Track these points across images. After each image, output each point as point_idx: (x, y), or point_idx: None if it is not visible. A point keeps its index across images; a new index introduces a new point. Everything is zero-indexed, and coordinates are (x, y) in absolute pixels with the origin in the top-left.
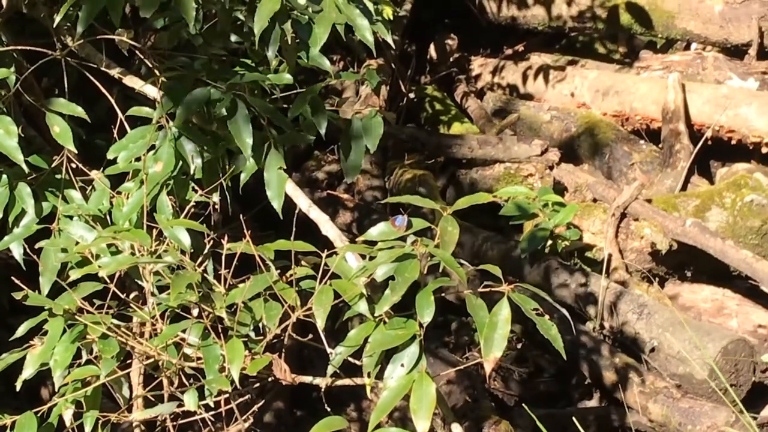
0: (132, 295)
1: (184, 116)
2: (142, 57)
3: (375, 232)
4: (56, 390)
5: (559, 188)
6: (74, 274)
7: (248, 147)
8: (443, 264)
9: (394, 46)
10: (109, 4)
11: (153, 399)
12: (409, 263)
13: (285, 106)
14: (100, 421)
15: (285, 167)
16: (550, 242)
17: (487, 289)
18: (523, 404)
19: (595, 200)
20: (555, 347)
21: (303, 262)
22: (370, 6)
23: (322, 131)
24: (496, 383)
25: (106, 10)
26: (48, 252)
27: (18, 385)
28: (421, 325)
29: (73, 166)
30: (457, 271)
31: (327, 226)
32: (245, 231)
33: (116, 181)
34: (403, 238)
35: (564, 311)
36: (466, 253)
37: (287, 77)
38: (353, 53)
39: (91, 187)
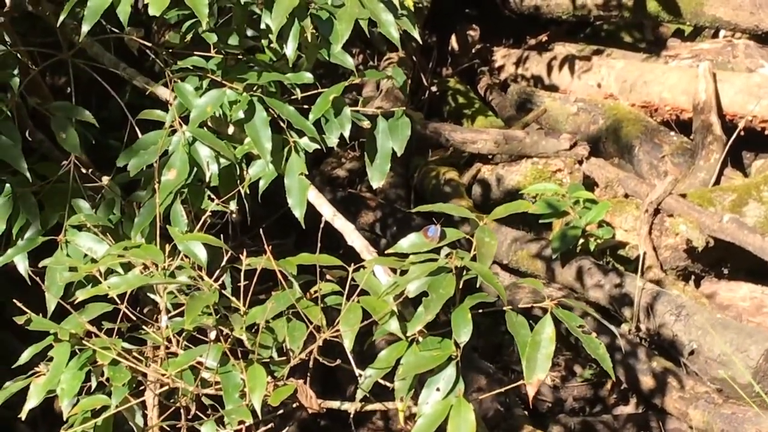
0: (146, 310)
1: (198, 119)
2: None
3: (406, 243)
4: (65, 420)
5: (589, 183)
6: (81, 295)
7: (267, 152)
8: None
9: (420, 41)
10: (116, 0)
11: (168, 429)
12: (444, 278)
13: (305, 106)
14: None
15: (306, 173)
16: (581, 241)
17: (529, 305)
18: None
19: (626, 196)
20: (603, 367)
21: (328, 277)
22: None
23: (346, 133)
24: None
25: (114, 7)
26: (54, 266)
27: (23, 416)
28: (457, 345)
29: (85, 172)
30: (497, 286)
31: (353, 236)
32: (265, 243)
33: (130, 188)
34: (436, 250)
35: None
36: (496, 253)
37: (308, 76)
38: (373, 46)
39: (100, 195)
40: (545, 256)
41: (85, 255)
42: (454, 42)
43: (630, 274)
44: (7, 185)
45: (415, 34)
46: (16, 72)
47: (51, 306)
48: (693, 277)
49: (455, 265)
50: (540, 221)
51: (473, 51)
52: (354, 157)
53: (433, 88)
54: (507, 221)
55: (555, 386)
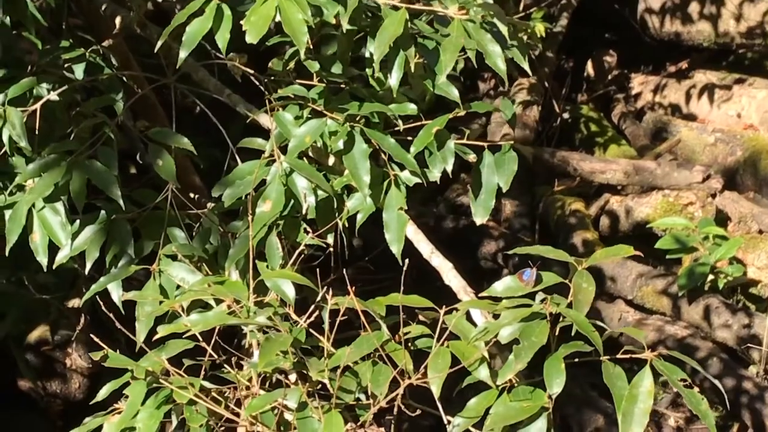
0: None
1: (297, 150)
2: (258, 83)
3: (500, 287)
4: None
5: (722, 218)
6: (162, 331)
7: (365, 184)
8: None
9: (530, 73)
10: (216, 26)
11: None
12: (537, 325)
13: (409, 138)
14: None
15: (406, 207)
16: (711, 278)
17: (627, 356)
18: None
19: (761, 231)
20: (706, 424)
21: (420, 317)
22: (503, 30)
23: (449, 168)
24: (650, 430)
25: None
26: (143, 298)
27: None
28: (550, 397)
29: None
30: (592, 336)
31: (450, 275)
32: (351, 282)
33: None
34: (531, 295)
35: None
36: (620, 288)
37: (411, 107)
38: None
39: (198, 224)
40: (671, 293)
41: (179, 286)
42: (590, 68)
43: (760, 315)
44: (102, 212)
45: (525, 66)
46: (120, 96)
47: (140, 338)
48: None
49: (549, 311)
50: (668, 257)
51: (609, 77)
52: None
53: (566, 115)
54: (635, 255)
55: (679, 428)
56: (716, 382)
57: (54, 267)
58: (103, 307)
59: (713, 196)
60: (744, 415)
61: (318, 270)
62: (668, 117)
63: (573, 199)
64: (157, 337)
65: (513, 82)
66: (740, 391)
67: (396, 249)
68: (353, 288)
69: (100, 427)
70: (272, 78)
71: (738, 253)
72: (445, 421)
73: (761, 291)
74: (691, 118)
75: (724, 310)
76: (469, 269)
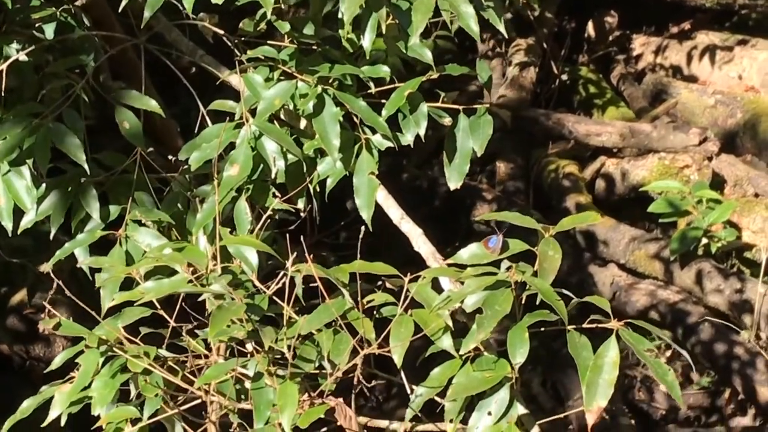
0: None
1: (266, 112)
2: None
3: (465, 254)
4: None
5: (718, 181)
6: (117, 299)
7: (335, 148)
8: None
9: (506, 36)
10: None
11: None
12: (501, 293)
13: (383, 102)
14: None
15: (377, 172)
16: (704, 242)
17: (593, 325)
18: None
19: (757, 195)
20: (672, 395)
21: (387, 285)
22: None
23: (422, 131)
24: (641, 394)
25: None
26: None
27: (44, 425)
28: (513, 367)
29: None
30: (557, 305)
31: (419, 241)
32: (330, 248)
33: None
34: (498, 263)
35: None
36: (612, 252)
37: (384, 69)
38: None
39: (168, 188)
40: (664, 257)
41: (145, 252)
42: (590, 28)
43: (753, 279)
44: (69, 176)
45: (501, 27)
46: (91, 56)
47: (105, 304)
48: None
49: (514, 279)
50: (660, 221)
51: (610, 38)
52: None
53: (564, 77)
54: (630, 218)
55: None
56: (683, 351)
57: (19, 232)
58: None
59: (710, 159)
60: (735, 380)
61: (293, 236)
62: (668, 79)
63: (567, 162)
64: (112, 304)
65: (510, 42)
66: (731, 357)
67: (366, 215)
68: (324, 255)
69: None
70: (243, 39)
71: (733, 216)
72: (408, 391)
73: (755, 255)
74: (691, 79)
75: (716, 274)
76: (463, 232)
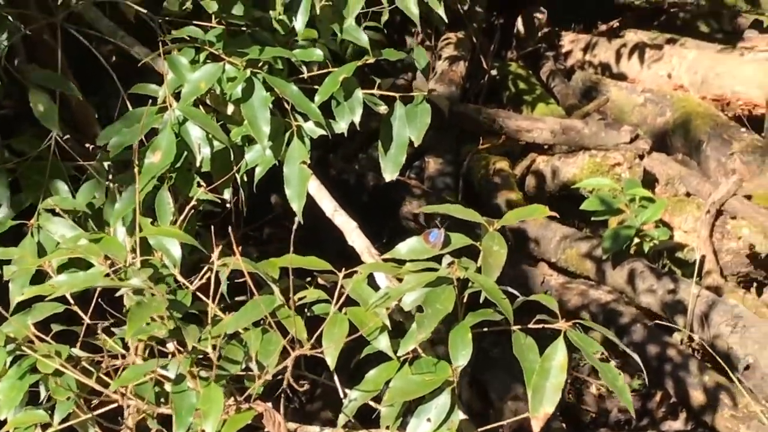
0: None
1: (190, 96)
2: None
3: (404, 249)
4: None
5: (650, 179)
6: (26, 293)
7: (264, 135)
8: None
9: (446, 21)
10: None
11: None
12: (443, 291)
13: (316, 88)
14: None
15: (308, 161)
16: (636, 241)
17: (540, 326)
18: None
19: (688, 194)
20: (623, 401)
21: (320, 281)
22: None
23: (357, 119)
24: (570, 397)
25: None
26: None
27: None
28: (454, 370)
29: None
30: (502, 303)
31: (354, 235)
32: (264, 242)
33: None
34: (439, 259)
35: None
36: (543, 251)
37: (317, 53)
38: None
39: (85, 176)
40: (596, 256)
41: (57, 244)
42: (520, 25)
43: (685, 280)
44: None
45: (441, 11)
46: (4, 36)
47: (15, 299)
48: (755, 284)
49: (456, 276)
50: (592, 219)
51: (540, 35)
52: None
53: (494, 72)
54: (561, 216)
55: (600, 395)
56: (633, 354)
57: None
58: None
59: (641, 157)
60: (667, 383)
61: (218, 229)
62: (598, 76)
63: (498, 158)
64: (21, 298)
65: (440, 36)
66: (664, 359)
67: (296, 206)
68: (249, 250)
69: None
70: (168, 19)
71: (665, 216)
72: (341, 395)
73: (687, 255)
74: (621, 77)
75: (648, 274)
76: (390, 229)
